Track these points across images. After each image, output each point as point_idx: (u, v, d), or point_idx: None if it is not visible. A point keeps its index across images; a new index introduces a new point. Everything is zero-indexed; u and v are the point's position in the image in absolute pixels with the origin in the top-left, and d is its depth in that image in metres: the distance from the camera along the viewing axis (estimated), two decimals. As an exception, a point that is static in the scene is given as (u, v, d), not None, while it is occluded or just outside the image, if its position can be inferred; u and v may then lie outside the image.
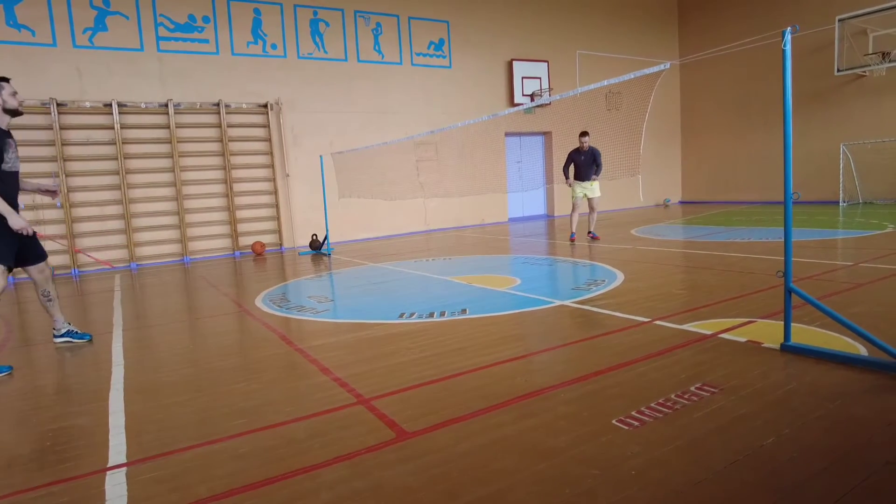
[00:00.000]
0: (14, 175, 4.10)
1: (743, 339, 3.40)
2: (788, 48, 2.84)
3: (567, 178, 9.36)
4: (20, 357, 4.27)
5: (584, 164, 9.19)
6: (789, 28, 2.82)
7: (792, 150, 2.92)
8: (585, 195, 9.37)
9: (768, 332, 3.49)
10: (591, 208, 9.51)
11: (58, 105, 9.16)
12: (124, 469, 2.27)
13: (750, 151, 15.56)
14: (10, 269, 4.05)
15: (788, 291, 3.05)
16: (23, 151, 9.00)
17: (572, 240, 9.30)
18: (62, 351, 4.41)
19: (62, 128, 9.22)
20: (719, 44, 15.05)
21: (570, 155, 9.35)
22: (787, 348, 3.10)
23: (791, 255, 3.07)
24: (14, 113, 4.05)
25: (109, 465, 2.31)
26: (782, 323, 3.20)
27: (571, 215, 9.54)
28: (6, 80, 4.03)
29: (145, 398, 3.13)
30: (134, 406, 2.99)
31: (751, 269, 5.74)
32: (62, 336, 4.49)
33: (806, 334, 3.38)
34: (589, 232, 9.51)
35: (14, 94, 4.04)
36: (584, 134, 9.17)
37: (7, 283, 4.08)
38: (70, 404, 3.15)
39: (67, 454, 2.47)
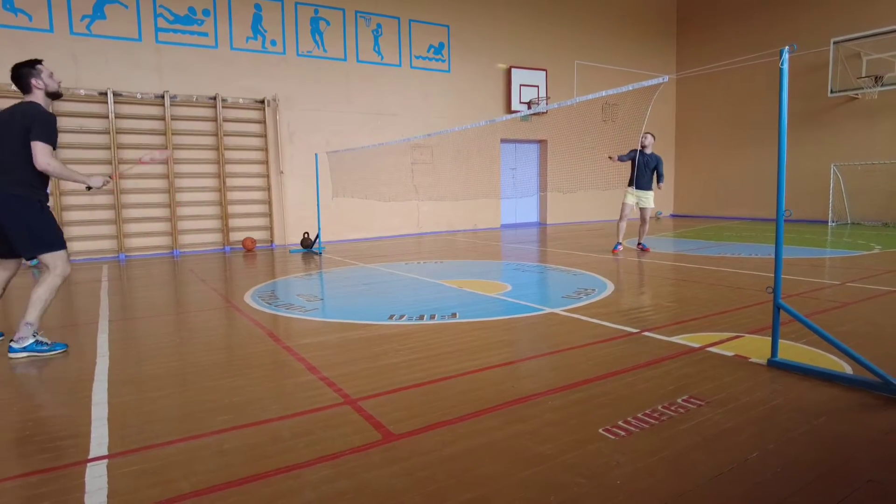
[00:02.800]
0: None
1: (730, 354, 3.42)
2: (786, 66, 2.87)
3: (615, 159, 8.42)
4: (1, 347, 4.21)
5: (644, 167, 8.49)
6: (787, 47, 2.85)
7: (786, 168, 2.95)
8: (638, 204, 8.70)
9: (755, 348, 3.51)
10: (643, 219, 8.88)
11: (52, 92, 9.06)
12: (105, 461, 2.24)
13: (742, 168, 15.72)
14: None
15: (777, 308, 3.08)
16: (14, 137, 8.94)
17: (616, 251, 8.53)
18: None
19: (60, 115, 9.11)
20: (716, 60, 15.21)
21: (631, 152, 8.56)
22: (774, 364, 3.12)
23: (781, 272, 3.10)
24: (55, 95, 3.96)
25: (90, 456, 2.28)
26: (770, 338, 3.23)
27: (619, 223, 8.81)
28: (39, 61, 3.90)
29: (129, 390, 3.09)
30: (117, 398, 2.96)
31: (739, 284, 5.78)
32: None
33: (793, 351, 3.41)
34: (639, 244, 8.90)
35: (51, 74, 3.93)
36: (648, 134, 8.48)
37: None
38: (52, 394, 3.11)
39: (47, 444, 2.43)
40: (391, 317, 4.67)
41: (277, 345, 3.97)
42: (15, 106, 3.82)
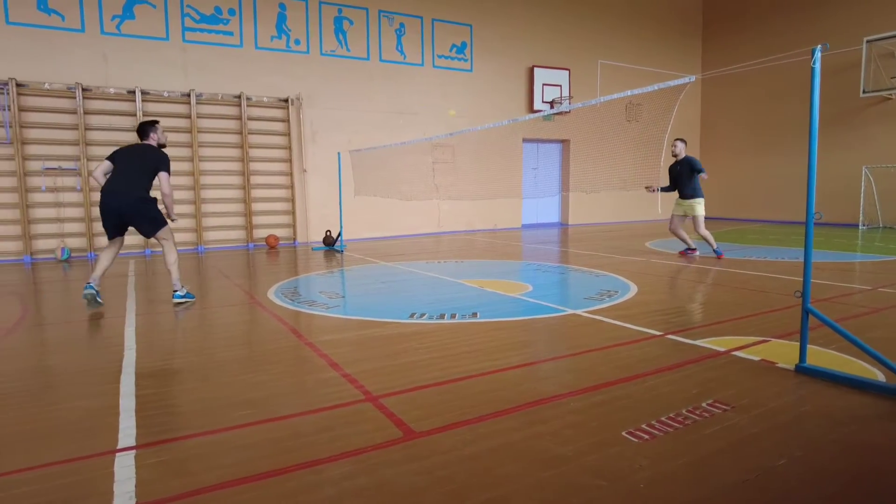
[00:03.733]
0: None
1: (756, 358, 3.36)
2: (818, 66, 2.81)
3: (653, 190, 8.07)
4: (34, 337, 4.33)
5: (679, 175, 8.08)
6: (820, 46, 2.79)
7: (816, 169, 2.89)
8: (685, 214, 8.26)
9: (783, 353, 3.45)
10: (696, 228, 8.23)
11: (83, 90, 9.28)
12: (133, 452, 2.28)
13: (768, 170, 15.42)
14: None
15: (806, 312, 3.01)
16: (48, 134, 9.18)
17: (685, 253, 8.18)
18: (76, 332, 4.46)
19: (86, 112, 9.34)
20: (742, 60, 14.94)
21: (669, 186, 8.28)
22: (802, 370, 3.06)
23: (810, 276, 3.03)
24: (163, 146, 5.65)
25: (119, 447, 2.33)
26: (797, 343, 3.16)
27: (680, 234, 8.40)
28: (157, 121, 5.67)
29: (155, 383, 3.15)
30: (144, 390, 3.01)
31: (765, 287, 5.68)
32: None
33: (821, 356, 3.33)
34: (686, 250, 8.42)
35: (164, 132, 5.73)
36: (678, 141, 8.13)
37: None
38: (82, 385, 3.18)
39: (78, 434, 2.49)
40: (412, 315, 4.68)
41: (299, 341, 4.01)
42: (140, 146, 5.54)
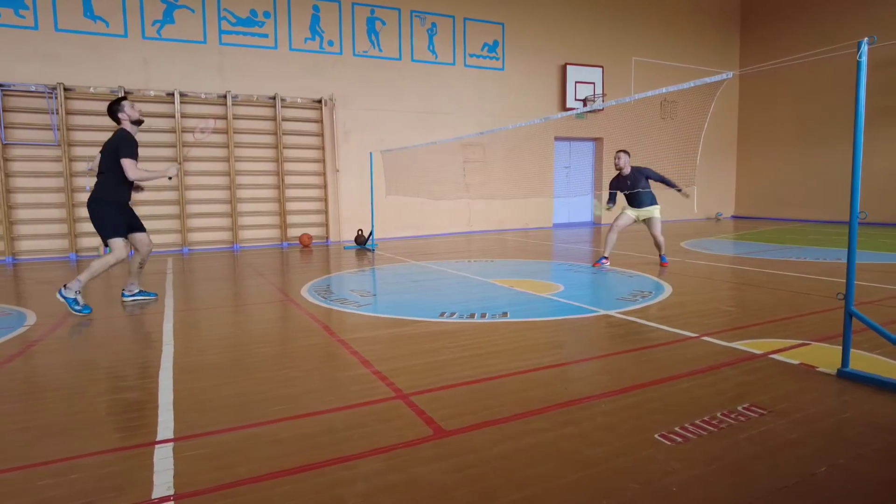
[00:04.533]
0: None
1: (796, 362, 3.27)
2: (864, 60, 2.71)
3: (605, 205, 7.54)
4: (78, 332, 4.49)
5: (631, 189, 7.38)
6: (866, 39, 2.69)
7: (861, 166, 2.79)
8: (639, 219, 7.60)
9: (824, 357, 3.34)
10: (653, 235, 7.59)
11: (125, 93, 9.58)
12: (171, 444, 2.35)
13: (809, 167, 14.94)
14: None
15: (849, 315, 2.91)
16: (91, 136, 9.50)
17: (597, 265, 7.38)
18: (118, 327, 4.62)
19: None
20: (782, 55, 14.52)
21: (611, 192, 7.62)
22: (845, 374, 2.96)
23: (854, 277, 2.93)
24: (139, 123, 5.26)
25: (158, 439, 2.41)
26: (840, 347, 3.06)
27: (608, 234, 7.67)
28: (124, 98, 5.24)
29: (192, 378, 3.24)
30: (181, 385, 3.10)
31: (805, 289, 5.51)
32: (134, 296, 5.51)
33: (865, 361, 3.22)
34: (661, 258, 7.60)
35: (132, 106, 5.23)
36: (621, 153, 7.53)
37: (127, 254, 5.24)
38: (123, 379, 3.29)
39: (120, 425, 2.58)
40: (442, 314, 4.69)
41: (332, 338, 4.07)
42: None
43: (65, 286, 4.95)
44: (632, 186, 7.33)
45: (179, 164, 5.49)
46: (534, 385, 3.03)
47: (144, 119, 5.42)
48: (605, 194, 7.70)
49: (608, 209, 7.71)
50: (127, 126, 5.16)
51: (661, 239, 7.47)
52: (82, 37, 9.37)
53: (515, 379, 3.11)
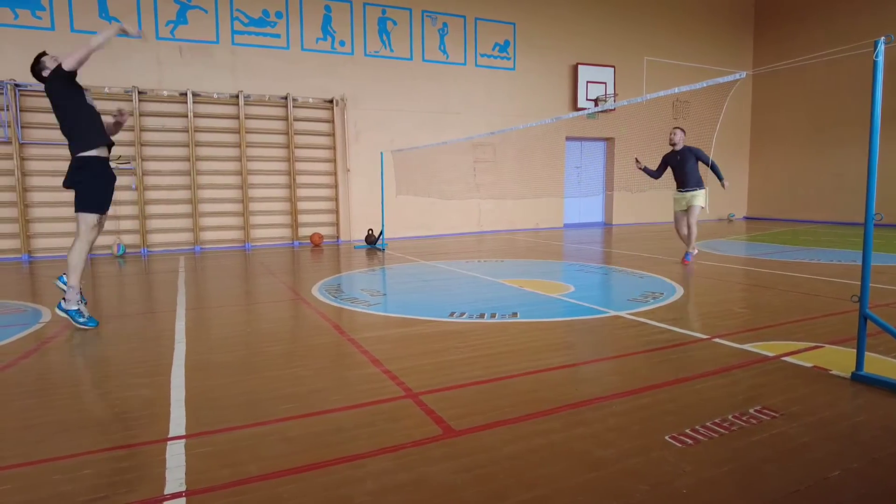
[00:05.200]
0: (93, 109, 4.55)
1: (808, 364, 3.23)
2: (881, 59, 2.68)
3: (640, 165, 7.98)
4: (92, 329, 4.54)
5: (679, 167, 7.68)
6: (883, 38, 2.66)
7: (877, 168, 2.75)
8: (686, 204, 7.78)
9: (837, 360, 3.30)
10: (689, 223, 7.78)
11: (139, 93, 9.67)
12: (183, 441, 2.37)
13: (823, 168, 14.77)
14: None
15: (864, 318, 2.88)
16: (105, 135, 9.58)
17: (686, 262, 7.48)
18: (131, 325, 4.66)
19: (141, 114, 9.74)
20: (797, 54, 14.37)
21: (661, 165, 7.96)
22: (859, 378, 2.92)
23: (868, 279, 2.90)
24: (74, 74, 4.37)
25: (170, 435, 2.43)
26: (854, 350, 3.02)
27: (679, 233, 7.96)
28: (40, 54, 4.45)
29: (203, 376, 3.26)
30: (193, 382, 3.12)
31: (819, 291, 5.45)
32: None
33: (880, 365, 3.17)
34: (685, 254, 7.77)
35: (53, 58, 4.41)
36: (677, 129, 7.79)
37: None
38: (136, 376, 3.32)
39: (133, 422, 2.61)
40: (452, 314, 4.69)
41: (342, 337, 4.08)
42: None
43: (63, 299, 4.38)
44: (681, 162, 7.58)
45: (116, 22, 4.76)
46: (544, 386, 3.02)
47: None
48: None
49: (637, 162, 7.97)
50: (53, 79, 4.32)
51: (694, 229, 7.63)
52: (97, 37, 9.46)
53: (525, 379, 3.11)
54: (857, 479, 2.01)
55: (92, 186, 4.33)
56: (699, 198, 7.64)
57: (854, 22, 13.68)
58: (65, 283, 4.37)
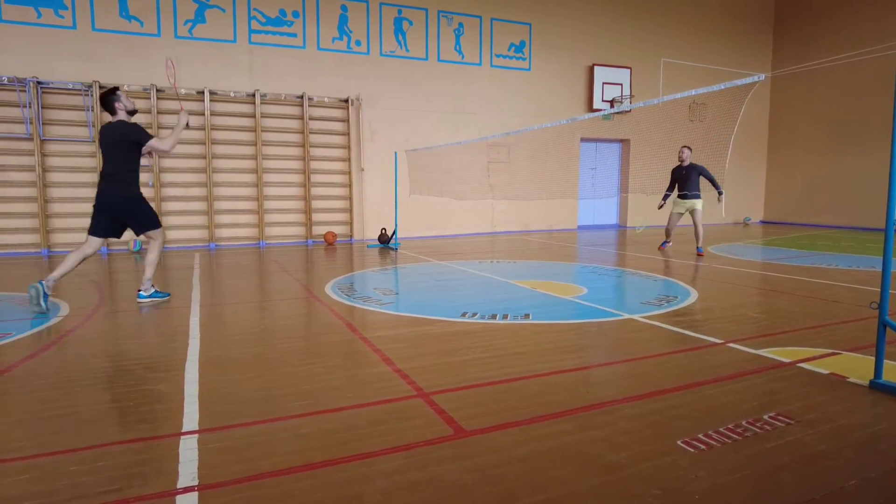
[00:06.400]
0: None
1: (825, 371, 3.19)
2: (903, 63, 2.63)
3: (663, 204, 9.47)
4: (109, 323, 4.60)
5: (684, 180, 8.99)
6: (905, 41, 2.61)
7: (898, 172, 2.70)
8: (687, 210, 9.14)
9: (855, 367, 3.25)
10: (695, 224, 9.10)
11: (157, 91, 9.79)
12: (196, 436, 2.40)
13: (842, 172, 14.55)
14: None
15: (883, 325, 2.83)
16: (123, 132, 9.72)
17: (662, 248, 9.31)
18: (147, 320, 4.72)
19: (159, 112, 9.85)
20: (818, 56, 14.17)
21: (668, 190, 9.31)
22: (877, 386, 2.88)
23: (889, 286, 2.85)
24: (133, 112, 5.24)
25: (183, 430, 2.45)
26: (873, 358, 2.97)
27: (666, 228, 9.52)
28: (118, 88, 5.21)
29: (217, 371, 3.29)
30: (207, 378, 3.16)
31: (837, 297, 5.37)
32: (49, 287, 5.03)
33: (898, 372, 3.12)
34: (698, 248, 8.96)
35: (127, 96, 5.21)
36: (685, 148, 9.00)
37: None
38: (151, 370, 3.36)
39: (147, 416, 2.64)
40: (464, 314, 4.69)
41: (354, 335, 4.10)
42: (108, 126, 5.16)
43: (141, 290, 5.30)
44: (686, 176, 8.94)
45: (181, 109, 5.60)
46: (556, 388, 3.01)
47: (138, 109, 5.60)
48: (653, 198, 9.61)
49: (659, 208, 9.58)
50: (123, 116, 5.11)
51: (701, 229, 8.95)
52: (118, 36, 9.61)
53: (537, 381, 3.10)
54: (875, 489, 1.97)
55: (148, 210, 5.35)
56: (699, 203, 8.97)
57: (877, 25, 13.46)
58: (144, 298, 5.30)
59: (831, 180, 14.86)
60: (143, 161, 5.39)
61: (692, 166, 8.93)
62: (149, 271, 5.31)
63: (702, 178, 8.90)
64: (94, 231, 5.14)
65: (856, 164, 14.15)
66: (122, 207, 5.13)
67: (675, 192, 9.14)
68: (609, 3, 13.90)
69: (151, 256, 5.31)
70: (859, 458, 2.20)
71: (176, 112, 10.01)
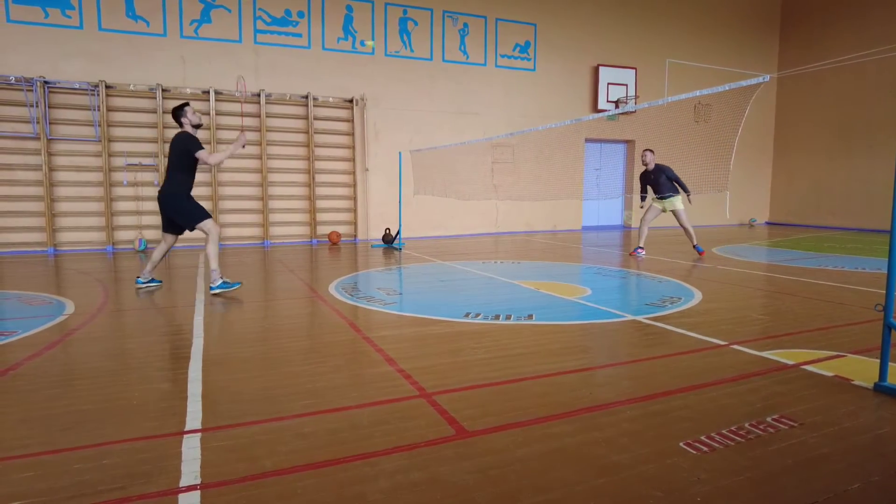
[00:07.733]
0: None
1: (829, 374, 3.17)
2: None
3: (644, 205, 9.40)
4: (114, 321, 4.63)
5: (654, 183, 8.93)
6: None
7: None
8: (666, 210, 9.10)
9: (860, 369, 3.24)
10: (681, 224, 9.18)
11: (163, 90, 9.83)
12: (199, 434, 2.41)
13: (848, 174, 14.49)
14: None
15: (888, 327, 2.82)
16: (129, 132, 9.77)
17: (634, 254, 8.98)
18: (151, 319, 4.74)
19: (164, 112, 9.89)
20: (824, 58, 14.12)
21: (642, 191, 9.23)
22: (882, 389, 2.86)
23: (894, 288, 2.84)
24: (198, 126, 5.82)
25: (186, 429, 2.46)
26: (877, 360, 2.96)
27: (640, 227, 9.34)
28: (187, 104, 5.77)
29: (221, 370, 3.31)
30: (210, 376, 3.17)
31: (842, 299, 5.35)
32: (148, 282, 6.05)
33: (903, 375, 3.11)
34: (695, 247, 9.11)
35: (194, 112, 5.78)
36: (647, 151, 8.96)
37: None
38: (155, 369, 3.37)
39: (151, 414, 2.65)
40: (467, 315, 4.69)
41: (357, 335, 4.10)
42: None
43: (212, 284, 5.64)
44: (654, 180, 8.88)
45: (241, 131, 6.01)
46: (559, 389, 3.01)
47: (203, 123, 6.17)
48: (637, 197, 9.61)
49: (641, 207, 9.48)
50: (188, 129, 5.74)
51: (689, 227, 8.96)
52: (124, 36, 9.65)
53: (540, 382, 3.10)
54: (879, 493, 1.97)
55: (188, 206, 5.83)
56: (677, 202, 8.95)
57: (884, 27, 13.40)
58: (215, 289, 5.63)
59: (838, 182, 14.80)
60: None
61: (658, 168, 8.84)
62: (212, 263, 5.66)
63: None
64: (162, 228, 5.96)
65: (863, 165, 14.08)
66: (166, 205, 5.74)
67: (651, 194, 9.15)
68: (614, 3, 13.88)
69: (209, 249, 5.72)
70: (863, 462, 2.19)
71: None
